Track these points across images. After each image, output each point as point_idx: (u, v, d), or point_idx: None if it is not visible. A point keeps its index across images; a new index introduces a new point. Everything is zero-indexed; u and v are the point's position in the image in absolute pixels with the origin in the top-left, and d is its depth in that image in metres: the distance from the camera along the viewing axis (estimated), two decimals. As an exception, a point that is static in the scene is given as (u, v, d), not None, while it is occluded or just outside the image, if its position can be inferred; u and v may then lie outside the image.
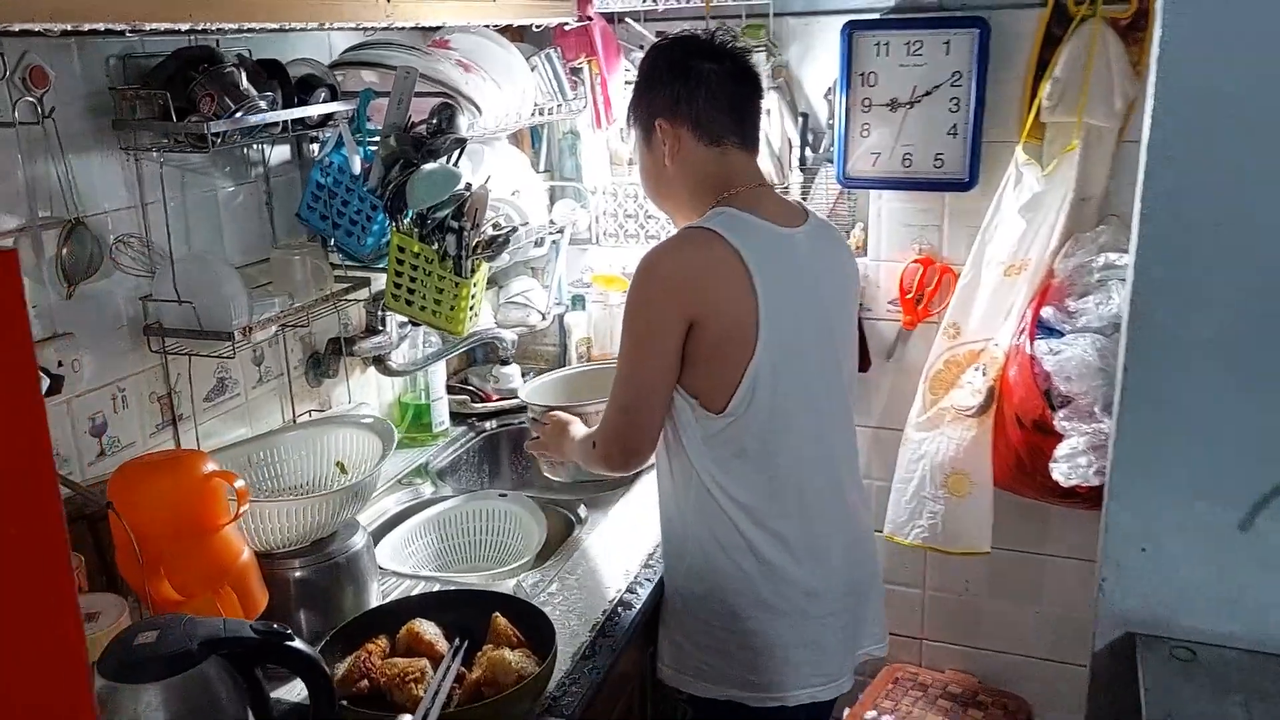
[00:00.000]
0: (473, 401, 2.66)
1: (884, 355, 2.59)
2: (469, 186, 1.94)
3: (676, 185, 1.73)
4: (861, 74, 2.38)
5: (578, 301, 2.75)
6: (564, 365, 2.78)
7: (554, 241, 2.67)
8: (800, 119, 2.56)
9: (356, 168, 1.95)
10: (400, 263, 2.02)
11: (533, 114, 2.36)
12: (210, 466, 1.50)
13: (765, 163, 2.58)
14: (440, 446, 2.52)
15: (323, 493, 1.79)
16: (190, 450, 1.82)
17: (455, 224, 1.90)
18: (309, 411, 2.19)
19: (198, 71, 1.63)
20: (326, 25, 1.69)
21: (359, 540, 1.75)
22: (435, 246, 1.95)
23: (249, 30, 1.69)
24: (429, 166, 1.87)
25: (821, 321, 1.72)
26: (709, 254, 1.61)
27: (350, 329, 2.28)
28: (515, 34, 2.56)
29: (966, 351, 2.37)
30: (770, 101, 2.57)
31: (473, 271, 1.99)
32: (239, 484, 1.48)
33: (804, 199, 2.62)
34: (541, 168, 2.77)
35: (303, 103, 1.82)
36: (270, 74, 1.79)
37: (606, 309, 2.71)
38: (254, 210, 2.01)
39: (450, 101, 1.96)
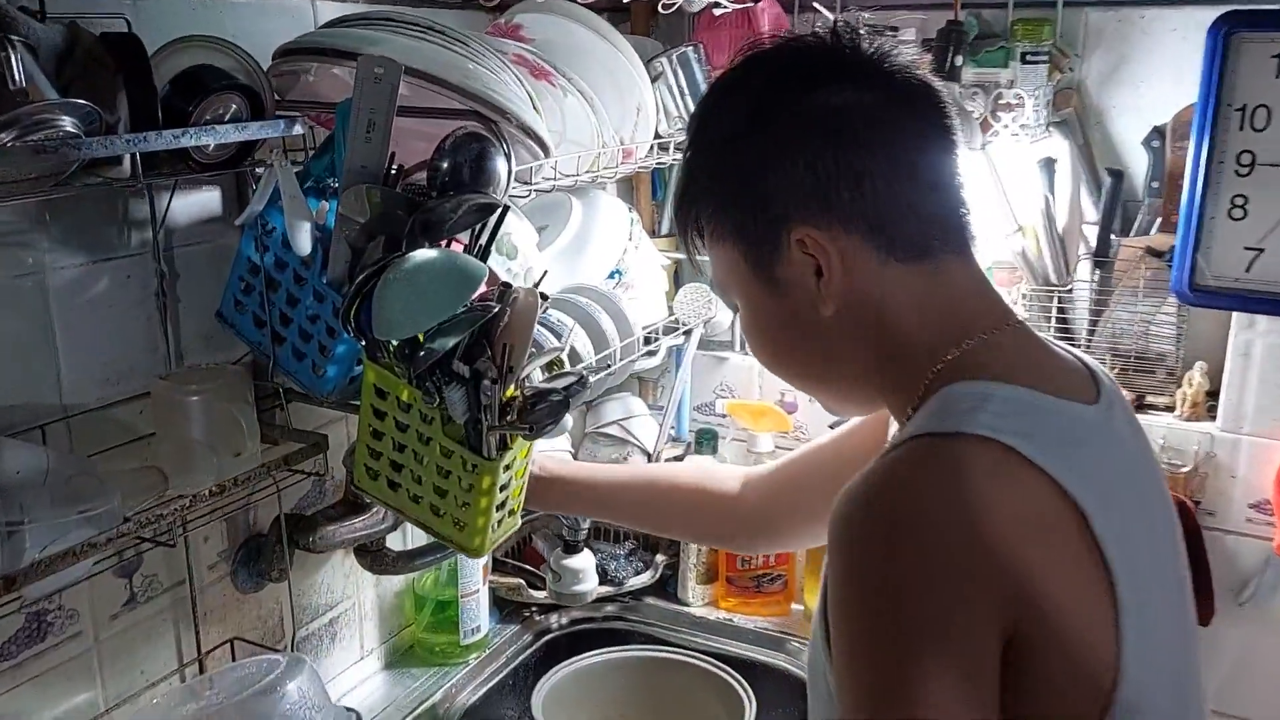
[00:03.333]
0: (532, 586, 1.72)
1: (1234, 596, 1.52)
2: (504, 293, 1.00)
3: (842, 345, 0.84)
4: (1240, 108, 1.33)
5: (705, 440, 1.76)
6: (678, 547, 1.80)
7: (675, 347, 1.70)
8: (1108, 179, 1.53)
9: (303, 245, 1.03)
10: (379, 416, 1.09)
11: (650, 151, 1.41)
12: None
13: (992, 255, 1.56)
14: (469, 670, 1.59)
15: None
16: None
17: (463, 369, 0.96)
18: (230, 640, 1.28)
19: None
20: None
21: None
22: (435, 400, 1.01)
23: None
24: (419, 258, 0.94)
25: (1173, 573, 0.83)
26: (1015, 494, 0.71)
27: (308, 500, 1.37)
28: (638, 17, 1.62)
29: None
30: (1051, 148, 1.56)
31: (502, 449, 1.05)
32: None
33: (1094, 323, 1.57)
34: (665, 229, 1.81)
35: (177, 115, 0.91)
36: (130, 64, 0.90)
37: (751, 457, 1.72)
38: (132, 306, 1.12)
39: (481, 131, 1.02)
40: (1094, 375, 0.84)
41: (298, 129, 1.02)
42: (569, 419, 1.03)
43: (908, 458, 0.74)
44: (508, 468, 1.08)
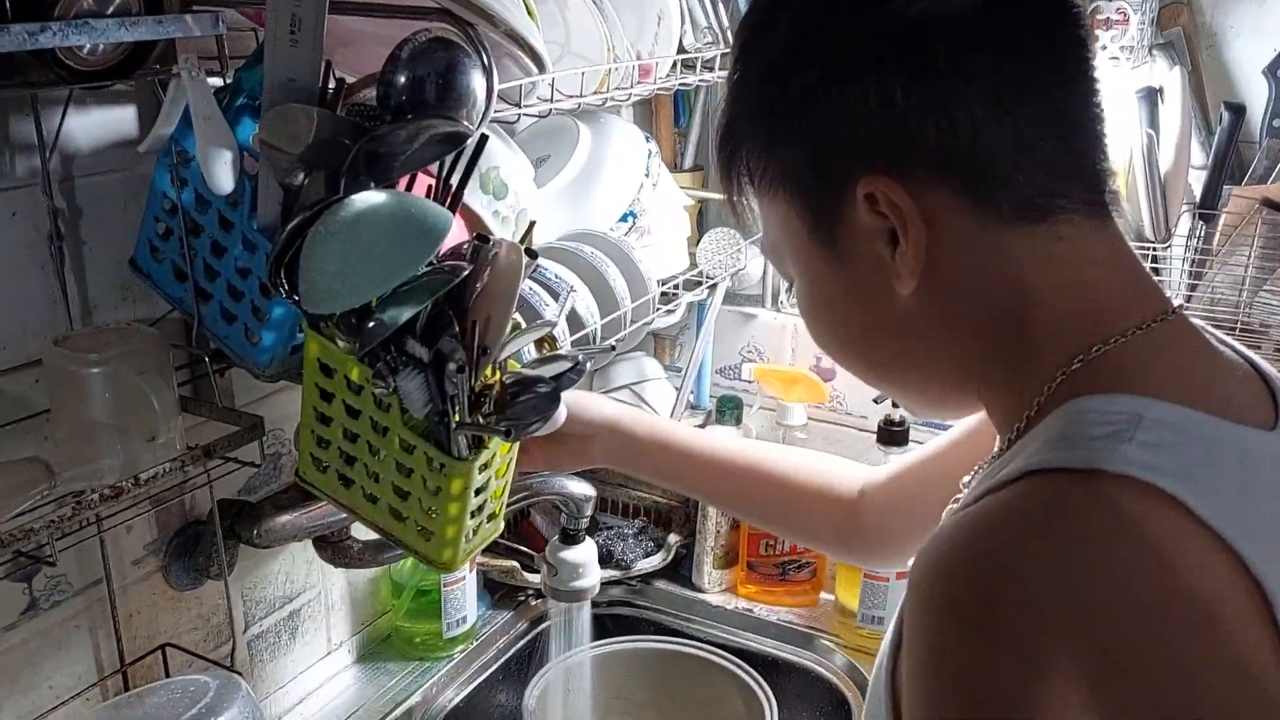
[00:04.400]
0: (527, 569, 1.52)
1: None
2: (478, 249, 0.77)
3: (927, 333, 0.63)
4: None
5: (728, 409, 1.54)
6: (694, 526, 1.58)
7: (697, 303, 1.47)
8: (1226, 114, 1.27)
9: (222, 181, 0.80)
10: (325, 398, 0.87)
11: (672, 69, 1.16)
12: None
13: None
14: (454, 665, 1.40)
15: None
16: None
17: (420, 351, 0.73)
18: (162, 646, 1.08)
19: None
20: None
21: None
22: (390, 385, 0.79)
23: None
24: (360, 204, 0.71)
25: None
26: (1163, 565, 0.48)
27: (261, 479, 1.16)
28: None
29: None
30: (1154, 76, 1.30)
31: (479, 446, 0.83)
32: None
33: (1192, 288, 1.33)
34: (689, 161, 1.57)
35: (33, 6, 0.68)
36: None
37: (780, 430, 1.50)
38: (19, 251, 0.90)
39: (453, 37, 0.77)
40: (1268, 383, 0.61)
41: (217, 28, 0.79)
42: (562, 412, 0.81)
43: (1022, 506, 0.52)
44: (485, 467, 0.87)
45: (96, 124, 0.92)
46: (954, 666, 0.49)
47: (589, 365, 0.79)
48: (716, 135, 0.68)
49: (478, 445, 0.84)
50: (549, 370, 0.79)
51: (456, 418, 0.78)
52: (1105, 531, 0.49)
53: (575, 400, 0.96)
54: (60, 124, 0.88)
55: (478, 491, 0.88)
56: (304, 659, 1.30)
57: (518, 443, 0.91)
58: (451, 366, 0.74)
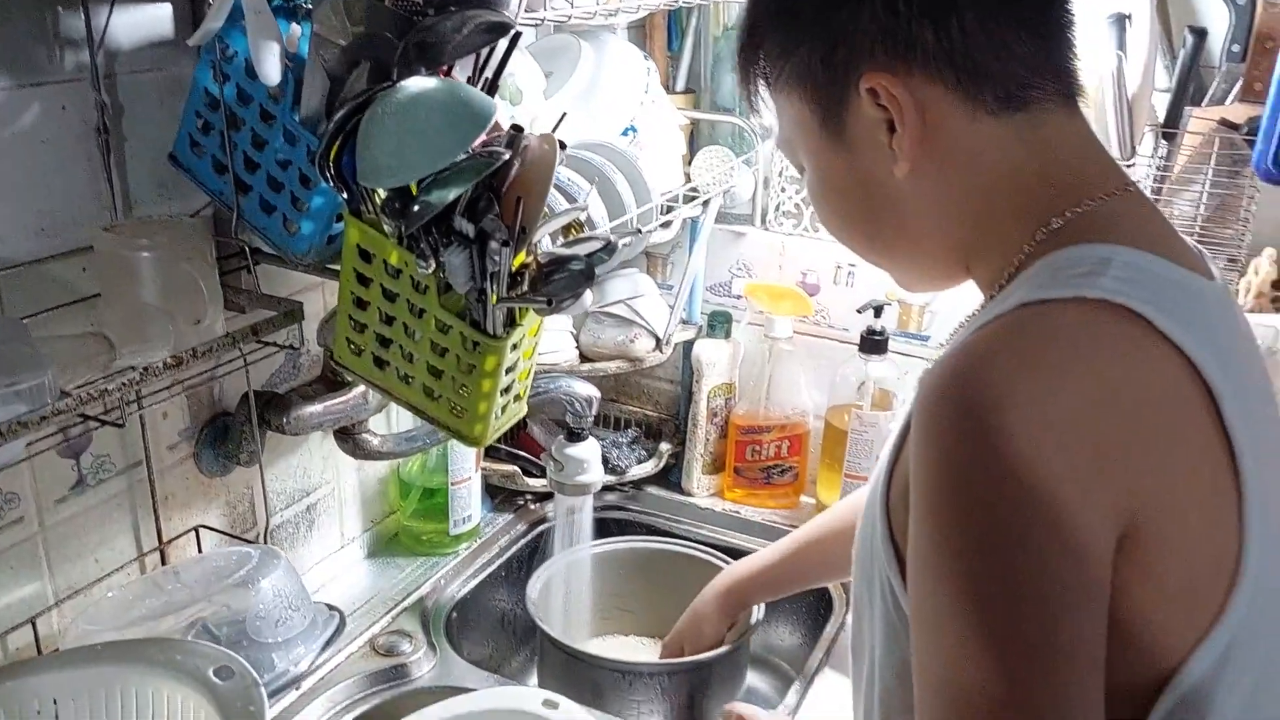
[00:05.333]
0: (527, 474, 1.60)
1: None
2: (514, 139, 0.83)
3: (921, 211, 0.73)
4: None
5: (718, 323, 1.62)
6: (684, 436, 1.67)
7: (692, 219, 1.54)
8: (1189, 37, 1.35)
9: (270, 73, 0.86)
10: (363, 282, 0.94)
11: (676, -14, 1.23)
12: None
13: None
14: (459, 560, 1.48)
15: None
16: None
17: (467, 228, 0.80)
18: (195, 528, 1.15)
19: None
20: None
21: None
22: (430, 264, 0.86)
23: None
24: (416, 88, 0.77)
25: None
26: (1146, 371, 0.60)
27: (282, 375, 1.22)
28: None
29: None
30: (1119, 1, 1.38)
31: (509, 326, 0.90)
32: None
33: (1157, 196, 1.42)
34: (680, 84, 1.63)
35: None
36: None
37: (767, 344, 1.58)
38: (69, 143, 0.95)
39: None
40: (1203, 256, 0.72)
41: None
42: (589, 294, 0.88)
43: (1015, 328, 0.61)
44: (515, 347, 0.94)
45: (137, 23, 0.97)
46: (962, 466, 0.58)
47: (620, 244, 0.86)
48: (738, 40, 0.76)
49: (510, 323, 0.91)
50: (581, 250, 0.86)
51: (496, 293, 0.84)
52: (1092, 342, 0.58)
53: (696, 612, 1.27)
54: (107, 21, 0.92)
55: (508, 371, 0.96)
56: (320, 550, 1.37)
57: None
58: (494, 244, 0.81)
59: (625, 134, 1.35)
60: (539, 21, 0.98)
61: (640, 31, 1.58)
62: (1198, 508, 0.60)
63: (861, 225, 0.76)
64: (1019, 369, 0.58)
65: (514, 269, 0.86)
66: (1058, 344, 0.58)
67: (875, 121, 0.68)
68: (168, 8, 0.99)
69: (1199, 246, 0.74)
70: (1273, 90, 1.22)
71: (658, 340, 1.57)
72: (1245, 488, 0.60)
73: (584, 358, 1.56)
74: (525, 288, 0.86)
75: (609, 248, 0.85)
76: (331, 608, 1.12)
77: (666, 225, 1.42)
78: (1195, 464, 0.60)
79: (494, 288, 0.84)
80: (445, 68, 0.83)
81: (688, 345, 1.65)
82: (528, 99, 1.13)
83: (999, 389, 0.57)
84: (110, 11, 0.92)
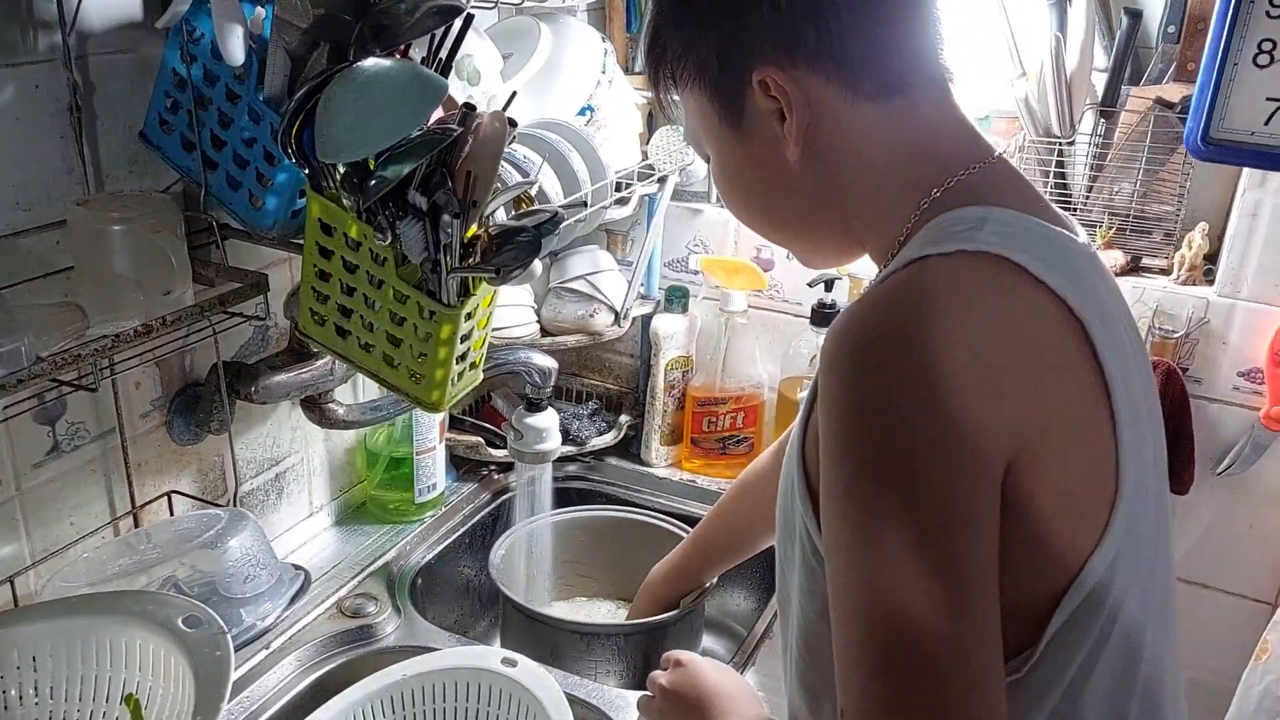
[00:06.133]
0: (491, 445, 1.65)
1: (1212, 465, 1.48)
2: (466, 116, 0.88)
3: (814, 191, 0.80)
4: (1276, -57, 1.22)
5: (676, 298, 1.67)
6: (643, 408, 1.73)
7: (648, 195, 1.59)
8: (1125, 19, 1.42)
9: (235, 54, 0.90)
10: (325, 255, 0.99)
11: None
12: None
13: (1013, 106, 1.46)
14: (424, 527, 1.53)
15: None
16: None
17: (420, 201, 0.85)
18: (168, 493, 1.20)
19: None
20: None
21: None
22: (387, 236, 0.91)
23: None
24: (373, 67, 0.82)
25: (1153, 421, 0.77)
26: (1024, 311, 0.68)
27: (251, 348, 1.27)
28: None
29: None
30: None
31: (463, 295, 0.95)
32: None
33: (1094, 178, 1.49)
34: (640, 65, 1.68)
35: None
36: None
37: (723, 317, 1.64)
38: (42, 121, 0.99)
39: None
40: (1069, 219, 0.80)
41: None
42: (538, 264, 0.93)
43: (907, 279, 0.68)
44: (469, 315, 0.99)
45: (107, 5, 1.01)
46: (865, 403, 0.64)
47: (573, 219, 0.92)
48: (645, 46, 0.85)
49: (464, 293, 0.96)
50: (529, 221, 0.91)
51: (449, 263, 0.90)
52: (978, 284, 0.66)
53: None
54: (79, 4, 0.96)
55: (463, 339, 1.01)
56: (290, 517, 1.42)
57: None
58: (446, 216, 0.86)
59: (583, 113, 1.40)
60: (492, 4, 1.03)
61: (600, 14, 1.63)
62: (1080, 425, 0.67)
63: (762, 207, 0.84)
64: (916, 309, 0.65)
65: (466, 240, 0.91)
66: (949, 287, 0.66)
67: (768, 111, 0.76)
68: (135, -8, 1.03)
69: (1065, 213, 0.81)
70: (1201, 70, 1.28)
71: (616, 315, 1.62)
72: (1117, 411, 0.67)
73: (545, 331, 1.62)
74: (477, 258, 0.91)
75: (555, 219, 0.90)
76: (297, 567, 1.16)
77: (624, 203, 1.47)
78: (1075, 388, 0.67)
79: (447, 258, 0.89)
80: (400, 49, 0.88)
81: (646, 319, 1.71)
82: (486, 80, 1.18)
83: (904, 323, 0.64)
84: (80, -7, 0.96)
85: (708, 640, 1.56)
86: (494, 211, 0.95)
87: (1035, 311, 0.66)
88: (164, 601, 0.90)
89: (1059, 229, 0.73)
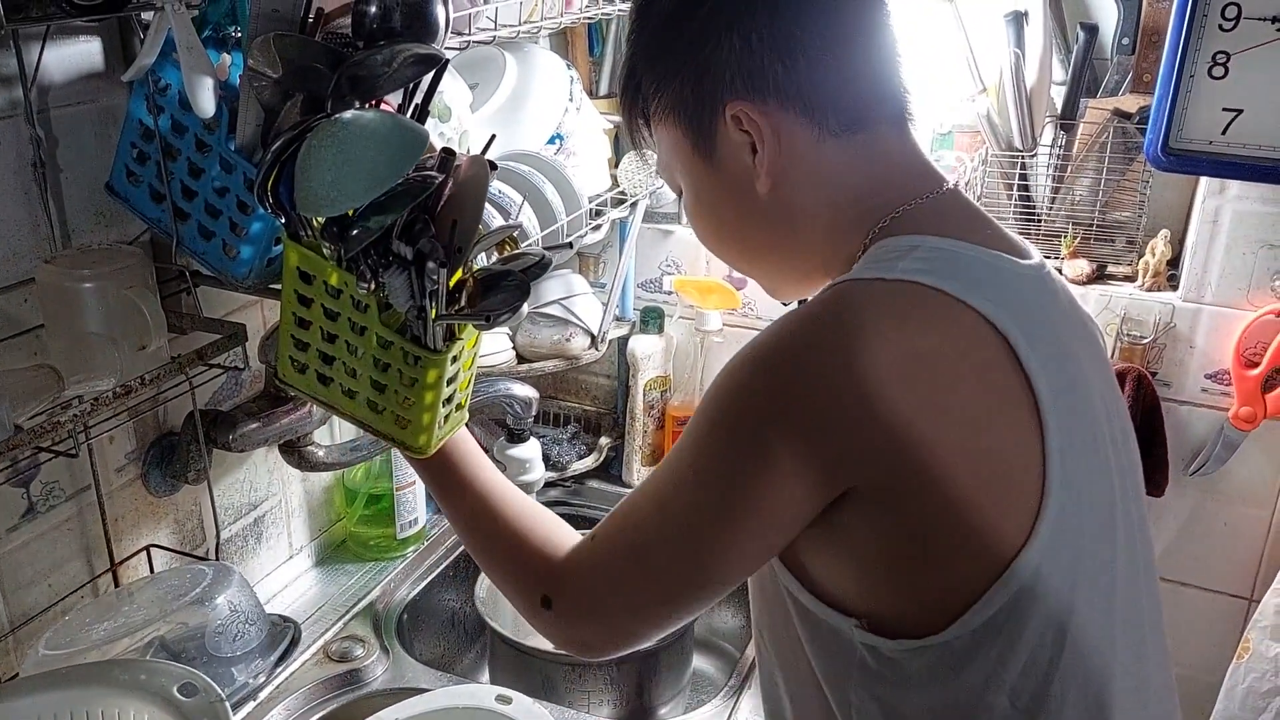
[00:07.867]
0: (470, 475, 1.63)
1: (1184, 466, 1.51)
2: (446, 161, 0.87)
3: (783, 223, 0.82)
4: (1230, -44, 1.24)
5: (651, 319, 1.67)
6: (623, 429, 1.72)
7: (621, 220, 1.59)
8: (1081, 34, 1.43)
9: (205, 106, 0.88)
10: (304, 303, 0.97)
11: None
12: None
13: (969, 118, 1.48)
14: (407, 563, 1.51)
15: None
16: None
17: (405, 251, 0.84)
18: (146, 548, 1.17)
19: None
20: None
21: None
22: (370, 284, 0.89)
23: None
24: (353, 119, 0.80)
25: (1107, 434, 0.80)
26: (928, 331, 0.72)
27: (225, 393, 1.24)
28: None
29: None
30: (1015, 0, 1.46)
31: (449, 340, 0.94)
32: None
33: (1056, 190, 1.51)
34: (604, 89, 1.67)
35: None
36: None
37: (699, 336, 1.64)
38: (5, 177, 0.96)
39: (415, -34, 0.87)
40: (1020, 242, 0.83)
41: (193, -35, 0.86)
42: (525, 307, 0.92)
43: (809, 307, 0.73)
44: (455, 359, 0.98)
45: (69, 58, 0.98)
46: (738, 382, 0.73)
47: (554, 258, 0.91)
48: (621, 84, 0.86)
49: (450, 338, 0.95)
50: (517, 265, 0.90)
51: (435, 310, 0.88)
52: (865, 309, 0.70)
53: None
54: (39, 57, 0.94)
55: (449, 382, 1.00)
56: (270, 561, 1.40)
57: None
58: (431, 264, 0.85)
59: (552, 141, 1.39)
60: (465, 45, 1.02)
61: (562, 39, 1.62)
62: (1004, 425, 0.71)
63: (734, 237, 0.86)
64: (796, 331, 0.70)
65: (452, 286, 0.90)
66: (835, 314, 0.71)
67: (740, 144, 0.78)
68: (98, 42, 1.00)
69: (1022, 236, 0.84)
70: (1158, 82, 1.31)
71: (593, 338, 1.61)
72: (1045, 417, 0.71)
73: (521, 358, 1.60)
74: (464, 303, 0.90)
75: (543, 263, 0.89)
76: (285, 619, 1.14)
77: (597, 228, 1.47)
78: (997, 395, 0.71)
79: (433, 305, 0.88)
80: (376, 99, 0.86)
81: (622, 341, 1.70)
82: (456, 115, 1.16)
83: (809, 336, 0.70)
84: (42, 48, 0.93)
85: (699, 661, 1.56)
86: (479, 255, 0.93)
87: (953, 329, 0.70)
88: (157, 670, 0.88)
89: (998, 253, 0.76)
